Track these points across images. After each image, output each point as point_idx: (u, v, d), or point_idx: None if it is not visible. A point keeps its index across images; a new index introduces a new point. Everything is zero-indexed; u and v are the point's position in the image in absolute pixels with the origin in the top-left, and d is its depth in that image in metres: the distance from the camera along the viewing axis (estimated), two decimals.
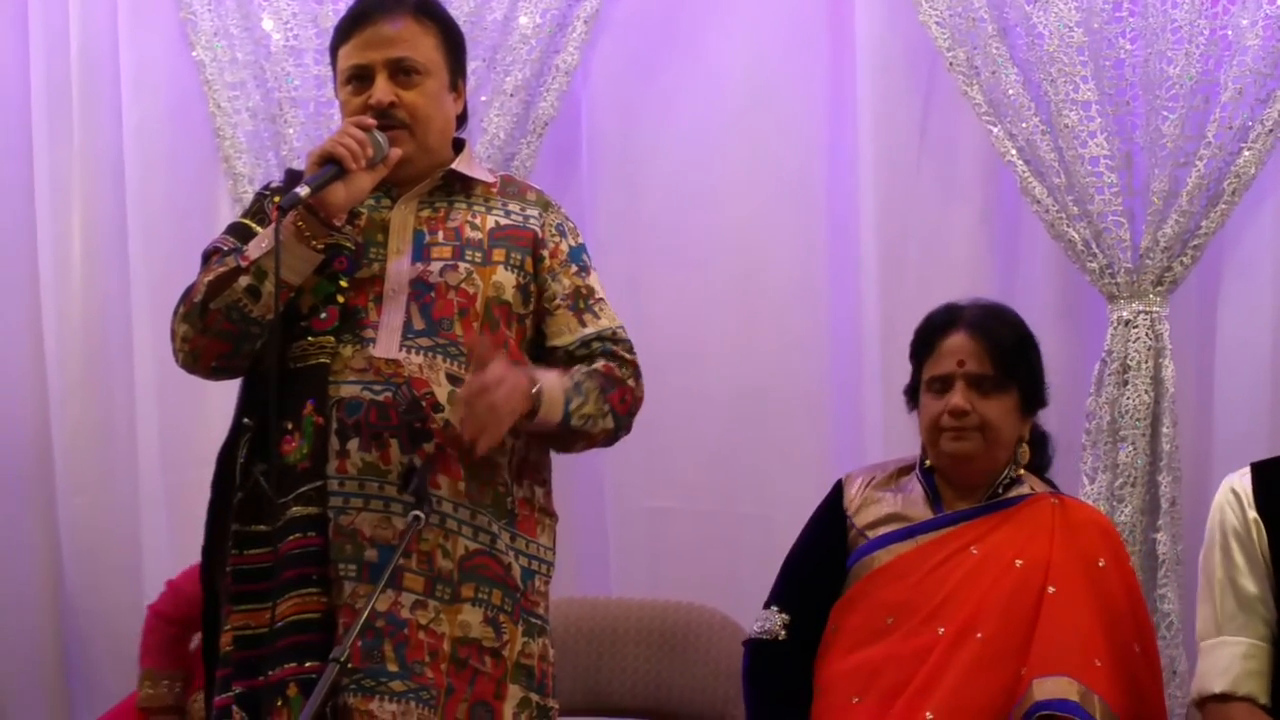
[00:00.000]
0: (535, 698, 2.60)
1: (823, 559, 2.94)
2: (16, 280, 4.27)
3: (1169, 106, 3.45)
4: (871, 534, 2.89)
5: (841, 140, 3.83)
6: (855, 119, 3.78)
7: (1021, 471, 2.90)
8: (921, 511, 2.88)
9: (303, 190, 2.44)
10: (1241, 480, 2.77)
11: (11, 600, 4.23)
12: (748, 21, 3.88)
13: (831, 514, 2.97)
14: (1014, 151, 3.55)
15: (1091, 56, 3.50)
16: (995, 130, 3.57)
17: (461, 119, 2.77)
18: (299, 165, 3.90)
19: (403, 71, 2.63)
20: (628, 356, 2.69)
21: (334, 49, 2.69)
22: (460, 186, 2.69)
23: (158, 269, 4.10)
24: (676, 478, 3.87)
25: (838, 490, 2.99)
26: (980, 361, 2.85)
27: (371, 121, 2.56)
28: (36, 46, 4.22)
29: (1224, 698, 2.70)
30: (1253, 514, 2.73)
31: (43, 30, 4.21)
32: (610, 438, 2.68)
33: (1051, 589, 2.74)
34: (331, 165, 2.49)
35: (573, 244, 2.73)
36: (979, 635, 2.72)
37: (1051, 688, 2.65)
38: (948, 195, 3.78)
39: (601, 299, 2.72)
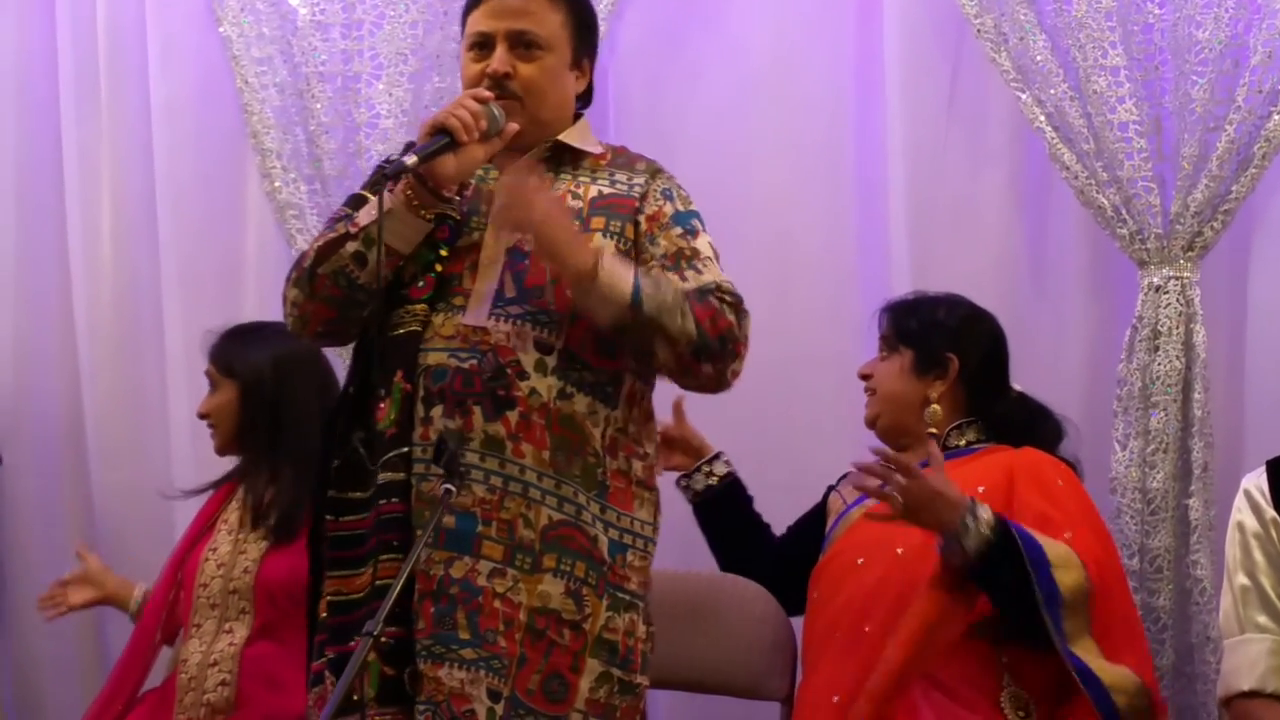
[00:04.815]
0: (618, 673, 2.56)
1: (806, 523, 3.28)
2: (47, 256, 4.29)
3: (1198, 71, 3.42)
4: (850, 499, 3.10)
5: (869, 108, 3.81)
6: (883, 87, 3.76)
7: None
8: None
9: (410, 159, 2.45)
10: (1258, 480, 2.78)
11: (47, 577, 4.25)
12: None
13: (821, 505, 3.27)
14: (1042, 118, 3.53)
15: (1120, 21, 3.47)
16: (1024, 96, 3.55)
17: (584, 97, 2.77)
18: (327, 140, 3.94)
19: (523, 44, 2.64)
20: (730, 299, 2.61)
21: (466, 11, 2.72)
22: (569, 159, 2.70)
23: (187, 244, 4.13)
24: None
25: (831, 488, 3.25)
26: (885, 326, 3.18)
27: (489, 94, 2.57)
28: (63, 24, 4.24)
29: (1253, 695, 2.70)
30: (1271, 513, 2.73)
31: (69, 7, 4.23)
32: (694, 349, 2.53)
33: (1016, 503, 2.89)
34: (442, 135, 2.50)
35: (680, 209, 2.71)
36: None
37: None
38: (976, 162, 3.76)
39: (708, 258, 2.65)
